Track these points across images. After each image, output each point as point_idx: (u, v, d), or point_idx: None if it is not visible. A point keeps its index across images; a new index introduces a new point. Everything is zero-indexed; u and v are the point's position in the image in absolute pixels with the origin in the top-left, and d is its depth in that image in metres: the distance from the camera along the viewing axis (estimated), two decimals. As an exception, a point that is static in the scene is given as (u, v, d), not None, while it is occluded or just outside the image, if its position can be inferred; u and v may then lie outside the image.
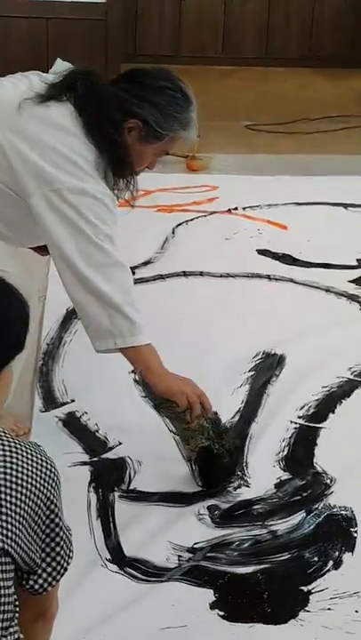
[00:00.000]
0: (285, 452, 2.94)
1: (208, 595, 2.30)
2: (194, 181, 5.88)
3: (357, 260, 4.57)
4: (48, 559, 1.58)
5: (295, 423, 3.11)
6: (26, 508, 1.49)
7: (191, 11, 10.14)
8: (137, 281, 4.21)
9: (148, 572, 2.38)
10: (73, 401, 3.21)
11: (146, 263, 4.49)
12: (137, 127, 2.75)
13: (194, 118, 2.84)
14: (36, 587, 1.58)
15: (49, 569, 1.59)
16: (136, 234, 4.78)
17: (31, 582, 1.57)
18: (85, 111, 2.73)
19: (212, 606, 2.26)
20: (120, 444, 2.95)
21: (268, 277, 4.34)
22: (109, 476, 2.79)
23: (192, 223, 5.09)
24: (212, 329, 3.79)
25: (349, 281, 4.31)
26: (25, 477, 1.50)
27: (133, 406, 3.19)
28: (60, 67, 4.29)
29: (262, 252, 4.66)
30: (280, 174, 6.08)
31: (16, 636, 1.49)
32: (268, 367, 3.46)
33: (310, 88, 9.25)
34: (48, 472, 1.55)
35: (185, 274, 4.37)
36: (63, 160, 2.67)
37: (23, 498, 1.49)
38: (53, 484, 1.56)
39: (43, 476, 1.53)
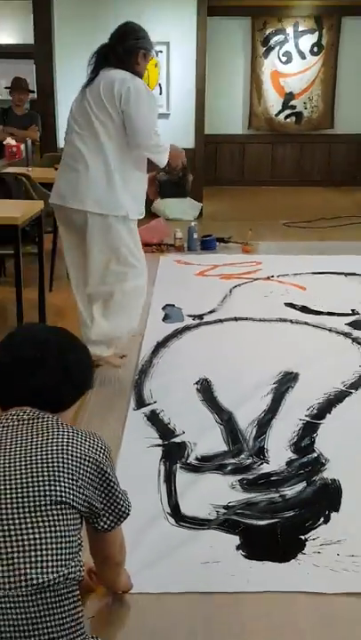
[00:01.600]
0: (295, 440, 2.73)
1: (235, 540, 2.13)
2: (246, 259, 5.74)
3: (351, 309, 4.32)
4: (111, 507, 1.48)
5: (303, 420, 2.89)
6: (82, 472, 1.40)
7: (251, 154, 10.27)
8: (204, 323, 4.14)
9: (195, 522, 2.21)
10: (155, 402, 3.05)
11: (211, 312, 4.33)
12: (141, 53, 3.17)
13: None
14: (105, 526, 1.48)
15: (113, 514, 1.49)
16: (206, 293, 4.70)
17: (101, 523, 1.47)
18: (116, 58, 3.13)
19: (238, 548, 2.09)
20: (183, 432, 2.78)
21: (291, 321, 4.15)
22: (174, 454, 2.62)
23: (243, 286, 4.93)
24: (252, 355, 3.62)
25: (346, 324, 4.08)
26: (79, 452, 1.41)
27: (194, 407, 3.02)
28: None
29: (288, 305, 4.46)
30: (304, 254, 5.91)
31: (81, 564, 1.39)
32: (287, 381, 3.26)
33: (327, 199, 9.23)
34: (96, 446, 1.46)
35: (236, 319, 4.19)
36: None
37: (80, 466, 1.40)
38: (101, 454, 1.46)
39: (92, 449, 1.44)
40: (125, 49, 3.12)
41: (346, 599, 1.89)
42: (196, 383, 3.23)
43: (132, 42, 3.13)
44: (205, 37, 7.45)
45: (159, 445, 2.68)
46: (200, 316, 4.23)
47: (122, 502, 1.48)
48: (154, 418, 2.90)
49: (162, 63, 7.39)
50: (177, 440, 2.71)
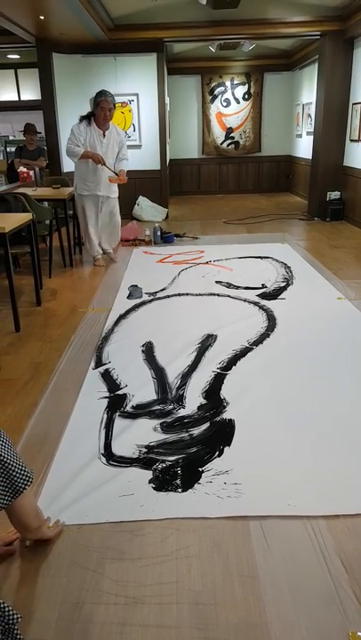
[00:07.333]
0: (207, 388, 2.42)
1: (149, 474, 1.82)
2: (193, 249, 5.33)
3: (261, 284, 3.98)
4: (5, 484, 1.16)
5: (215, 371, 2.58)
6: None
7: (204, 172, 9.71)
8: (156, 299, 3.79)
9: (122, 460, 1.91)
10: (110, 362, 2.73)
11: (162, 290, 3.98)
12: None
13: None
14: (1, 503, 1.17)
15: (7, 491, 1.17)
16: (161, 275, 4.35)
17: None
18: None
19: (149, 481, 1.79)
20: (126, 385, 2.47)
21: (218, 295, 3.80)
22: (116, 404, 2.31)
23: (188, 269, 4.55)
24: (186, 322, 3.27)
25: (256, 295, 3.75)
26: None
27: (138, 365, 2.70)
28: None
29: (218, 282, 4.11)
30: (235, 244, 5.49)
31: None
32: (208, 341, 2.95)
33: (256, 202, 8.68)
34: None
35: (179, 294, 3.84)
36: None
37: None
38: None
39: None
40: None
41: (226, 522, 1.61)
42: (142, 346, 2.92)
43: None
44: (164, 90, 6.84)
45: (106, 397, 2.37)
46: (154, 294, 3.88)
47: (18, 478, 1.18)
48: (106, 375, 2.59)
49: (134, 109, 6.82)
50: (120, 392, 2.41)
